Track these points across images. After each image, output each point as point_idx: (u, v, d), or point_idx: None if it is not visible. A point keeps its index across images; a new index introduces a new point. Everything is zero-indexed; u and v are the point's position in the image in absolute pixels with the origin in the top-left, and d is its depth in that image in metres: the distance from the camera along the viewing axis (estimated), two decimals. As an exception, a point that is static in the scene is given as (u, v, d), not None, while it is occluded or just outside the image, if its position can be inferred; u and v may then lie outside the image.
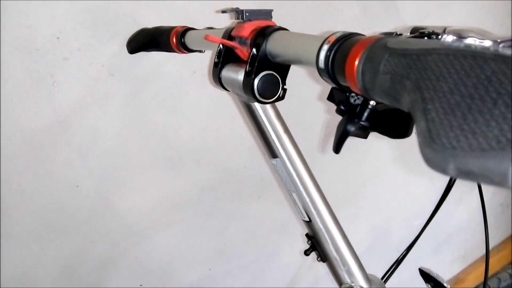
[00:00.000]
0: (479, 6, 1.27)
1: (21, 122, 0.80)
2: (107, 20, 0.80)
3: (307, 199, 0.58)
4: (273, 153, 0.55)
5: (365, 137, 0.36)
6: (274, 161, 0.56)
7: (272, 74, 0.45)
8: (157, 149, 0.93)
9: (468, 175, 0.19)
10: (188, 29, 0.67)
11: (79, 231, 0.92)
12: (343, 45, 0.31)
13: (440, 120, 0.20)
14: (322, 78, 0.35)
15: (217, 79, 0.54)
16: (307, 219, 0.60)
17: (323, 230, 0.60)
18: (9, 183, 0.83)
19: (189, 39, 0.66)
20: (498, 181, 0.17)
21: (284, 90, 0.48)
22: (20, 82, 0.77)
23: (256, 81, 0.45)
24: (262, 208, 1.11)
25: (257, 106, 0.52)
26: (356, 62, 0.28)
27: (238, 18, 0.49)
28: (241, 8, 0.48)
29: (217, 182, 1.02)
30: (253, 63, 0.45)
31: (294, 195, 0.58)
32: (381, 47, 0.26)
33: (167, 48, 0.72)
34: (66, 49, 0.79)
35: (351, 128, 0.33)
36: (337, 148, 0.34)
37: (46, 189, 0.86)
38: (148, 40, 0.76)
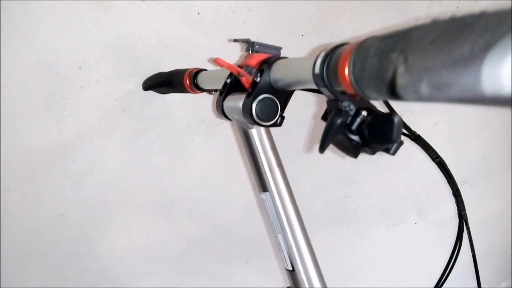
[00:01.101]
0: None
1: (25, 140, 0.81)
2: (130, 59, 0.85)
3: (292, 243, 0.55)
4: (263, 186, 0.54)
5: (355, 155, 0.36)
6: (263, 195, 0.54)
7: (272, 98, 0.47)
8: (151, 191, 0.92)
9: (441, 88, 0.18)
10: (200, 70, 0.71)
11: (53, 264, 0.87)
12: (339, 48, 0.32)
13: (418, 61, 0.20)
14: (318, 88, 0.36)
15: (220, 107, 0.55)
16: (290, 268, 0.56)
17: (306, 282, 0.56)
18: (-4, 199, 0.81)
19: (201, 79, 0.70)
20: (471, 87, 0.17)
21: (282, 118, 0.48)
22: (34, 101, 0.80)
23: (255, 102, 0.46)
24: (248, 276, 1.05)
25: (254, 134, 0.53)
26: (349, 56, 0.29)
27: (248, 50, 0.52)
28: (252, 40, 0.51)
29: (206, 238, 0.98)
30: (254, 86, 0.47)
31: (280, 237, 0.56)
32: (374, 38, 0.28)
33: (181, 88, 0.75)
34: (85, 78, 0.82)
35: (337, 120, 0.33)
36: (322, 145, 0.33)
37: (31, 213, 0.84)
38: (163, 80, 0.80)
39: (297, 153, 1.02)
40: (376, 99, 0.30)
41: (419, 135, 0.65)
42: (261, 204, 0.58)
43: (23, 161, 0.82)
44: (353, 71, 0.29)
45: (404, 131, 0.64)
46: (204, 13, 0.87)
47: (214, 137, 0.93)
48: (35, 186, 0.83)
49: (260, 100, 0.46)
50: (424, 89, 0.20)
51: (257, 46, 0.51)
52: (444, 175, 0.68)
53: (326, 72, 0.33)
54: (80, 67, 0.82)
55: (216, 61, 0.50)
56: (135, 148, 0.89)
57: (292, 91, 0.48)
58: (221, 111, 0.55)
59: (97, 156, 0.86)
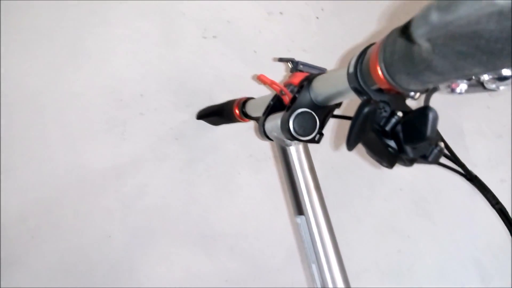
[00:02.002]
0: None
1: (83, 159, 0.86)
2: (188, 91, 0.89)
3: (328, 276, 0.51)
4: (299, 208, 0.51)
5: (391, 164, 0.34)
6: (298, 219, 0.52)
7: (310, 112, 0.46)
8: (195, 222, 0.92)
9: (449, 8, 0.17)
10: (249, 99, 0.72)
11: (93, 285, 0.88)
12: (373, 45, 0.32)
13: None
14: (353, 90, 0.35)
15: (262, 127, 0.55)
16: (324, 304, 0.52)
17: (340, 322, 0.51)
18: (50, 213, 0.86)
19: (249, 107, 0.71)
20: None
21: (321, 135, 0.47)
22: (96, 124, 0.86)
23: (293, 116, 0.46)
24: (287, 327, 0.98)
25: (292, 152, 0.52)
26: (381, 45, 0.28)
27: (292, 71, 0.53)
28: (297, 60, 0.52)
29: (245, 278, 0.95)
30: (294, 101, 0.47)
31: (314, 268, 0.52)
32: (403, 25, 0.27)
33: (231, 117, 0.77)
34: (144, 106, 0.88)
35: (365, 108, 0.31)
36: (349, 138, 0.31)
37: (81, 230, 0.87)
38: (215, 110, 0.83)
39: (346, 197, 0.98)
40: (407, 86, 0.28)
41: (476, 176, 0.59)
42: (296, 230, 0.55)
43: (79, 179, 0.86)
44: (383, 59, 0.28)
45: (459, 169, 0.59)
46: (260, 52, 0.91)
47: (260, 172, 0.93)
48: (86, 205, 0.87)
49: (298, 114, 0.46)
50: (434, 14, 0.19)
51: (301, 66, 0.51)
52: (506, 225, 0.61)
53: (360, 69, 0.32)
54: (141, 95, 0.88)
55: (259, 78, 0.51)
56: (184, 176, 0.90)
57: (332, 109, 0.47)
58: (263, 131, 0.55)
59: (147, 181, 0.89)
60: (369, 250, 1.01)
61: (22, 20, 0.81)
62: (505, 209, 0.61)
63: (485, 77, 0.33)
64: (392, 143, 0.33)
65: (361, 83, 0.33)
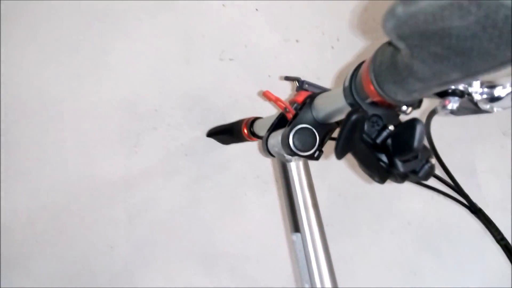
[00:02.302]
0: None
1: (94, 168, 0.88)
2: (201, 109, 0.92)
3: (320, 297, 0.50)
4: (296, 226, 0.51)
5: (382, 179, 0.34)
6: (294, 236, 0.52)
7: (310, 129, 0.47)
8: (198, 239, 0.92)
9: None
10: (256, 118, 0.74)
11: (91, 295, 0.88)
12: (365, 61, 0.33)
13: None
14: (348, 104, 0.35)
15: (265, 143, 0.56)
16: (316, 327, 0.51)
17: None
18: (57, 219, 0.87)
19: (257, 126, 0.73)
20: None
21: (320, 152, 0.48)
22: (110, 134, 0.88)
23: (293, 131, 0.47)
24: None
25: (292, 168, 0.52)
26: (372, 57, 0.29)
27: (298, 89, 0.54)
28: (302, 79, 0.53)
29: (244, 301, 0.93)
30: (295, 117, 0.48)
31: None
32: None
33: (239, 136, 0.79)
34: (158, 121, 0.90)
35: (352, 116, 0.31)
36: (336, 146, 0.32)
37: (85, 238, 0.88)
38: (225, 128, 0.85)
39: (353, 227, 0.97)
40: (394, 96, 0.29)
41: (480, 209, 0.58)
42: (292, 248, 0.55)
43: (88, 187, 0.88)
44: (373, 69, 0.29)
45: (463, 201, 0.58)
46: (274, 76, 0.93)
47: (266, 194, 0.93)
48: (93, 213, 0.88)
49: (298, 129, 0.47)
50: (399, 7, 0.20)
51: (306, 85, 0.53)
52: (511, 262, 0.59)
53: (354, 82, 0.33)
54: (156, 110, 0.90)
55: (264, 94, 0.53)
56: (190, 193, 0.91)
57: (333, 127, 0.48)
58: (266, 147, 0.56)
59: (155, 194, 0.90)
60: (373, 283, 0.98)
61: (49, 31, 0.86)
62: (510, 245, 0.59)
63: (478, 97, 0.33)
64: (383, 157, 0.33)
65: (356, 96, 0.34)
